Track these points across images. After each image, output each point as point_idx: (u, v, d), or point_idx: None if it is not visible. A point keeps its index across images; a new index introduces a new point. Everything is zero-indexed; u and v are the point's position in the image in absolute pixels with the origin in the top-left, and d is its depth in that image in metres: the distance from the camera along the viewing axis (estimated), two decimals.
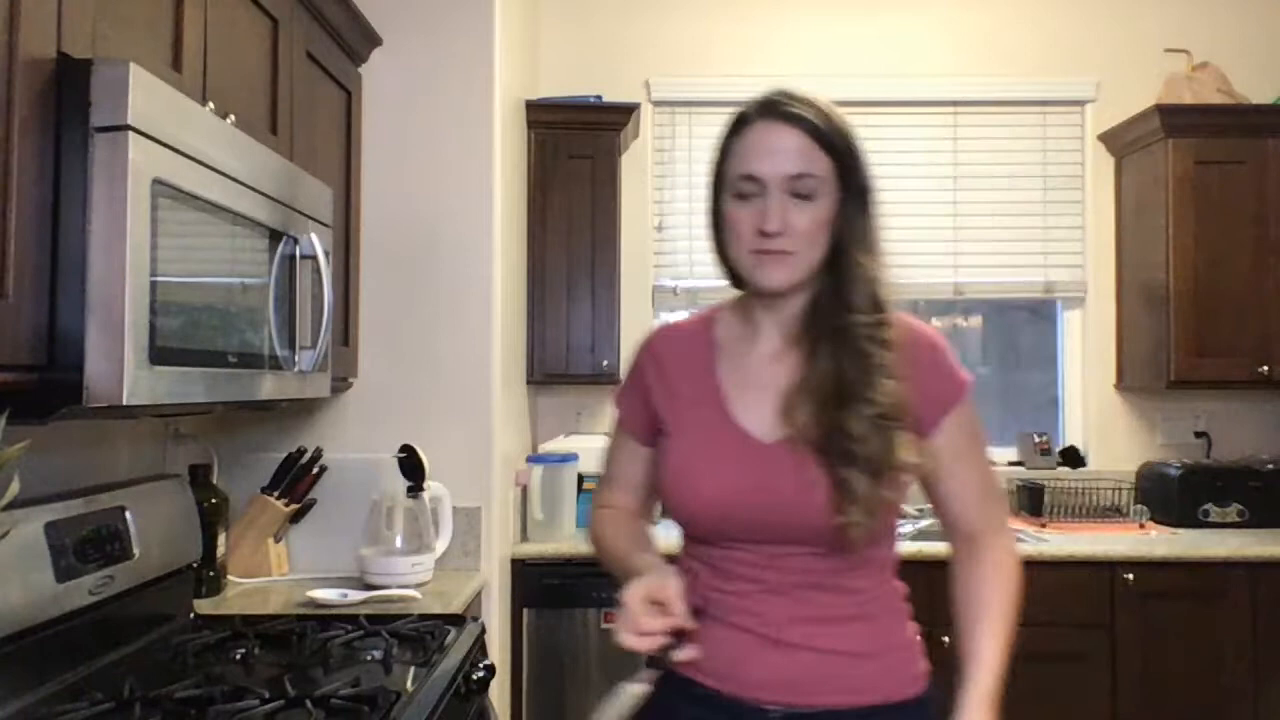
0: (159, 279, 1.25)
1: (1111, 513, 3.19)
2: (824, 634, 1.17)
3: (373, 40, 2.41)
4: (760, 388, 1.22)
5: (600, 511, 1.36)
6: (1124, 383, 3.37)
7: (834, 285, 1.20)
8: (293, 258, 1.73)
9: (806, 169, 1.16)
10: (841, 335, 1.17)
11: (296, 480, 2.30)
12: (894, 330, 1.18)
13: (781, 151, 1.16)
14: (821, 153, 1.17)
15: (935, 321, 3.58)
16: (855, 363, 1.15)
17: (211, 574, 2.09)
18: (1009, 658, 1.19)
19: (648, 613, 1.06)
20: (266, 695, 1.37)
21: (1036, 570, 2.67)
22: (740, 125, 1.21)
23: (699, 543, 1.24)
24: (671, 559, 1.22)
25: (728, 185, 1.21)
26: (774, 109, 1.18)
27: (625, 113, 3.06)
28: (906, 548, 2.52)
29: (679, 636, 1.08)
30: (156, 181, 1.23)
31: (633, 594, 1.07)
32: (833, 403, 1.15)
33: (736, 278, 1.25)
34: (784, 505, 1.15)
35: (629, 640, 1.05)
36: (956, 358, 1.25)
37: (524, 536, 2.85)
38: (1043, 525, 3.07)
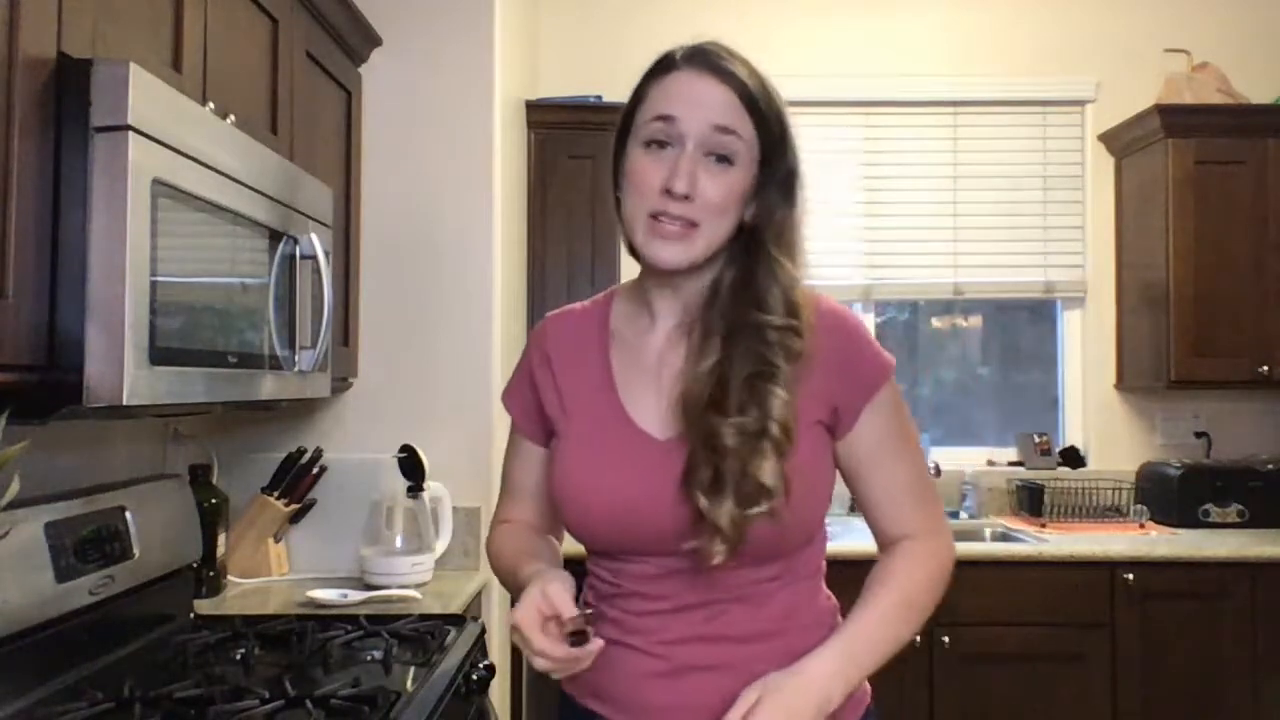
0: (159, 279, 1.24)
1: (1111, 513, 3.19)
2: (735, 654, 1.03)
3: (373, 40, 2.41)
4: (656, 378, 1.08)
5: (499, 528, 1.23)
6: (1124, 383, 3.37)
7: (743, 278, 1.05)
8: (293, 258, 1.73)
9: (731, 124, 1.02)
10: (743, 334, 1.03)
11: (296, 480, 2.29)
12: (806, 321, 1.04)
13: (706, 103, 1.03)
14: (748, 117, 1.03)
15: (935, 322, 3.58)
16: (749, 368, 1.01)
17: (211, 574, 2.09)
18: (898, 650, 1.05)
19: (546, 632, 0.94)
20: (266, 695, 1.37)
21: (1036, 570, 2.74)
22: (662, 69, 1.07)
23: (599, 555, 1.11)
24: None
25: (637, 132, 1.06)
26: (704, 58, 1.05)
27: None
28: None
29: (584, 634, 0.97)
30: (156, 181, 1.23)
31: (524, 618, 0.94)
32: (711, 408, 1.00)
33: (634, 247, 1.09)
34: (675, 513, 1.01)
35: (540, 666, 0.95)
36: (874, 339, 1.11)
37: None
38: (1043, 525, 3.07)
